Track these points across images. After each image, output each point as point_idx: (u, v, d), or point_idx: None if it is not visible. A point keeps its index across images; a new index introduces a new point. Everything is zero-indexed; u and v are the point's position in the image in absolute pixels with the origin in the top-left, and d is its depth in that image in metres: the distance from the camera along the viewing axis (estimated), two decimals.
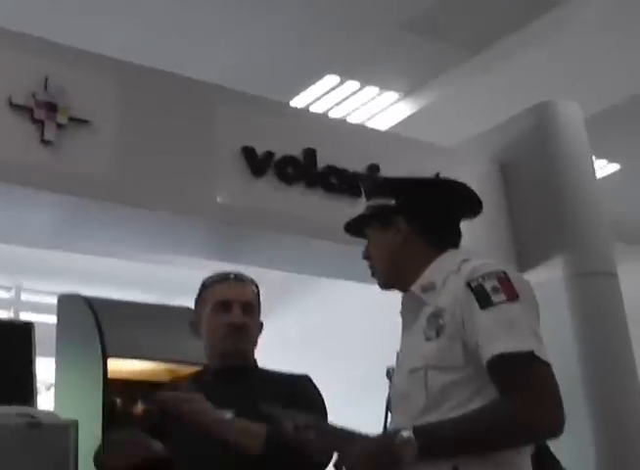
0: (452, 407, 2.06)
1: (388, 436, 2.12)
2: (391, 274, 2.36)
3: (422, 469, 2.01)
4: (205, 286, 2.90)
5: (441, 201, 2.37)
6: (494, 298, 2.07)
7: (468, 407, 2.05)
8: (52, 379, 4.71)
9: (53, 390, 4.74)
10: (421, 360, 2.14)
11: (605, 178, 8.05)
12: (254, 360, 2.90)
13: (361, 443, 2.14)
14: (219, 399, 2.68)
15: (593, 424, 5.15)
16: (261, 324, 2.92)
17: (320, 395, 2.83)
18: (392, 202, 2.34)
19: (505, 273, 2.12)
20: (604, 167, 8.44)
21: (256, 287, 2.93)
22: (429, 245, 2.32)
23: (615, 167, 8.62)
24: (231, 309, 2.79)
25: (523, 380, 2.01)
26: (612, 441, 5.18)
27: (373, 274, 2.42)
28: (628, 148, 8.11)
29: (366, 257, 2.42)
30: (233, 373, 2.79)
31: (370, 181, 2.53)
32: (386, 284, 2.40)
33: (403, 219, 2.33)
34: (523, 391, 2.00)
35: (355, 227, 2.48)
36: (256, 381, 2.78)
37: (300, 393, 2.77)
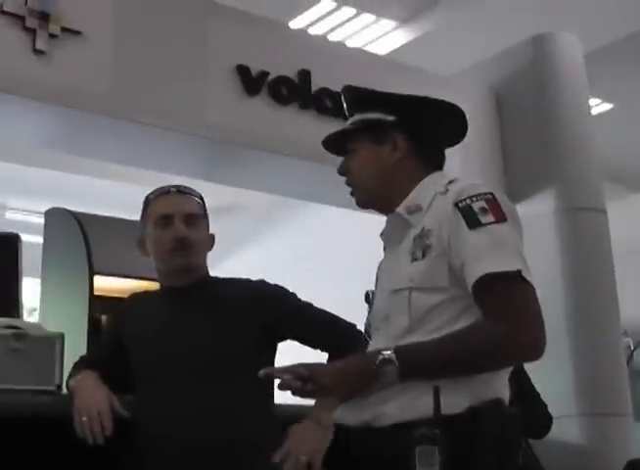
0: (435, 328, 2.04)
1: (368, 355, 2.10)
2: (377, 192, 2.29)
3: (402, 389, 2.01)
4: (148, 201, 2.80)
5: (438, 122, 2.31)
6: (482, 218, 2.04)
7: (451, 329, 2.03)
8: (35, 303, 4.69)
9: (36, 314, 4.73)
10: (405, 281, 2.10)
11: (597, 117, 8.00)
12: (207, 273, 2.82)
13: (340, 362, 2.13)
14: (169, 317, 2.71)
15: (572, 351, 5.23)
16: (212, 237, 2.84)
17: (283, 287, 2.81)
18: (391, 117, 2.27)
19: (493, 195, 2.09)
20: (597, 106, 8.39)
21: (201, 199, 2.83)
22: (420, 166, 2.27)
23: (607, 107, 8.58)
24: (172, 223, 2.69)
25: (507, 300, 1.99)
26: (589, 367, 5.27)
27: (352, 191, 2.33)
28: (623, 88, 8.06)
29: (344, 172, 2.33)
30: (185, 292, 2.73)
31: (361, 93, 2.36)
32: (367, 202, 2.33)
33: (403, 136, 2.26)
34: (507, 310, 1.98)
35: (336, 143, 2.37)
36: (211, 296, 2.73)
37: (266, 292, 2.76)
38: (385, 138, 2.27)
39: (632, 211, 9.09)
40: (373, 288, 2.36)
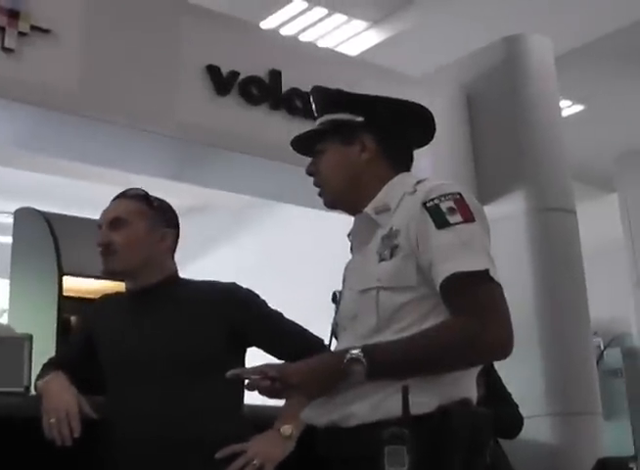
0: (403, 328, 2.04)
1: (335, 354, 2.10)
2: (345, 193, 2.28)
3: (371, 388, 2.01)
4: None
5: (407, 123, 2.32)
6: (450, 218, 2.04)
7: (419, 328, 2.03)
8: (4, 304, 4.66)
9: (5, 316, 4.69)
10: (373, 281, 2.10)
11: (568, 118, 8.05)
12: (173, 274, 2.78)
13: (307, 362, 2.12)
14: (133, 318, 2.70)
15: (543, 352, 5.26)
16: (162, 235, 2.74)
17: (254, 293, 2.79)
18: (359, 118, 2.26)
19: (460, 194, 2.09)
20: (568, 108, 8.44)
21: (140, 197, 2.76)
22: (388, 166, 2.27)
23: (578, 108, 8.63)
24: (100, 230, 2.71)
25: (475, 298, 1.99)
26: (560, 367, 5.30)
27: (320, 192, 2.33)
28: (594, 90, 8.10)
29: (312, 173, 2.33)
30: (148, 294, 2.71)
31: (330, 94, 2.35)
32: (335, 203, 2.33)
33: (371, 137, 2.26)
34: (475, 309, 1.98)
35: (305, 143, 2.37)
36: (177, 297, 2.71)
37: (237, 296, 2.74)
38: (353, 139, 2.27)
39: (602, 211, 9.17)
40: (340, 288, 2.36)
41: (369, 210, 2.21)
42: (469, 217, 2.06)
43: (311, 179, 2.35)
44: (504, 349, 2.00)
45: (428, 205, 2.07)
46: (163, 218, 2.79)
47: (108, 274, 2.72)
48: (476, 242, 2.05)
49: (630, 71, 7.76)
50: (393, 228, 2.12)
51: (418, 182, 2.18)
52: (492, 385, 3.83)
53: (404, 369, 2.00)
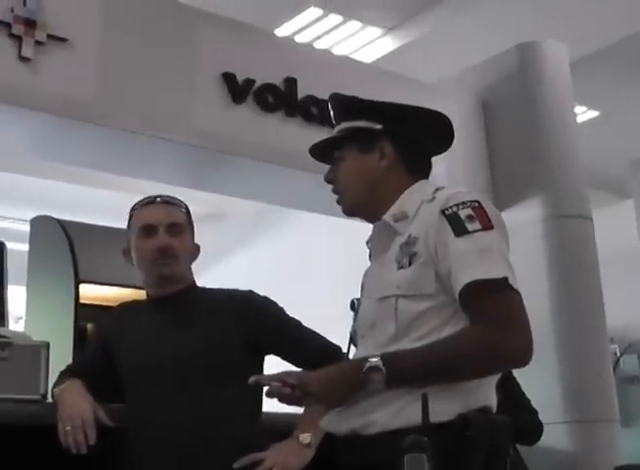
0: (422, 336, 2.04)
1: (355, 362, 2.10)
2: (364, 201, 2.29)
3: (391, 396, 2.01)
4: (133, 211, 2.80)
5: (425, 130, 2.33)
6: (469, 226, 2.05)
7: (438, 336, 2.03)
8: (21, 311, 4.66)
9: (21, 323, 4.70)
10: (392, 288, 2.10)
11: (583, 124, 8.03)
12: (193, 283, 2.82)
13: (327, 369, 2.12)
14: (155, 326, 2.71)
15: (560, 359, 5.24)
16: (197, 247, 2.84)
17: (272, 300, 2.81)
18: (378, 126, 2.27)
19: (479, 202, 2.10)
20: (583, 113, 8.42)
21: (186, 209, 2.83)
22: (407, 174, 2.28)
23: (594, 114, 8.60)
24: (156, 233, 2.69)
25: (495, 306, 2.00)
26: (576, 374, 5.28)
27: (338, 199, 2.33)
28: (609, 95, 8.08)
29: (331, 180, 2.34)
30: (170, 301, 2.73)
31: (348, 102, 2.36)
32: (353, 210, 2.33)
33: (390, 144, 2.27)
34: (494, 317, 1.98)
35: (323, 151, 2.38)
36: (197, 305, 2.73)
37: (254, 304, 2.76)
38: (372, 146, 2.28)
39: (618, 217, 9.13)
40: (358, 296, 2.36)
41: (387, 217, 2.22)
42: (487, 225, 2.07)
43: (327, 186, 2.36)
44: (524, 357, 2.00)
45: (447, 212, 2.08)
46: (193, 231, 2.84)
47: (164, 278, 2.71)
48: (494, 249, 2.05)
49: None
50: (412, 236, 2.13)
51: (436, 190, 2.18)
52: (511, 392, 3.82)
53: (423, 377, 2.00)
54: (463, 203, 2.09)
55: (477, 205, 2.09)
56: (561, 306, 5.35)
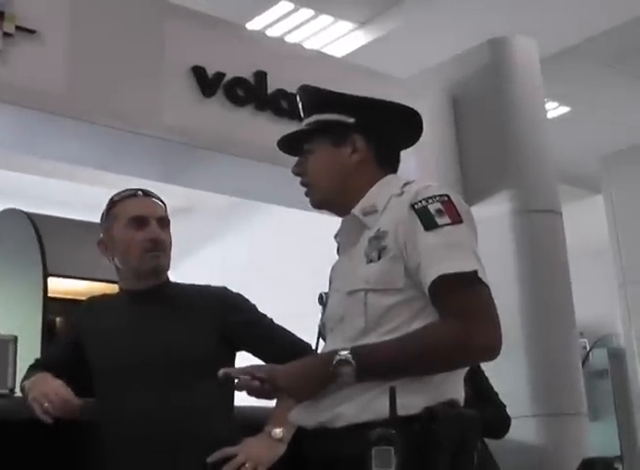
0: (390, 330, 2.05)
1: (324, 356, 2.10)
2: (334, 194, 2.28)
3: (358, 390, 2.01)
4: (115, 202, 2.78)
5: (396, 124, 2.32)
6: (438, 220, 2.05)
7: (407, 330, 2.04)
8: None
9: None
10: (361, 282, 2.10)
11: (554, 120, 8.07)
12: (167, 278, 2.83)
13: (295, 364, 2.13)
14: (129, 320, 2.72)
15: (529, 352, 5.27)
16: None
17: (244, 297, 2.84)
18: (351, 119, 2.26)
19: (448, 196, 2.10)
20: (554, 109, 8.46)
21: (164, 204, 2.84)
22: (377, 168, 2.28)
23: (564, 110, 8.65)
24: (147, 225, 2.71)
25: (464, 300, 2.00)
26: (545, 368, 5.31)
27: (307, 192, 2.32)
28: (580, 91, 8.12)
29: (299, 173, 2.32)
30: (145, 296, 2.74)
31: (320, 94, 2.33)
32: (322, 203, 2.32)
33: (362, 138, 2.26)
34: (464, 311, 1.99)
35: (291, 143, 2.36)
36: (171, 301, 2.75)
37: (227, 300, 2.78)
38: (344, 140, 2.27)
39: (588, 212, 9.19)
40: (326, 290, 2.36)
41: (357, 211, 2.21)
42: (457, 219, 2.07)
43: (297, 180, 2.35)
44: (493, 350, 2.02)
45: (416, 207, 2.08)
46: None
47: (158, 271, 2.74)
48: (464, 244, 2.06)
49: (616, 73, 7.79)
50: (381, 230, 2.13)
51: (405, 184, 2.18)
52: (479, 385, 3.84)
53: (393, 370, 2.00)
54: (432, 197, 2.08)
55: (446, 199, 2.09)
56: (530, 301, 5.38)
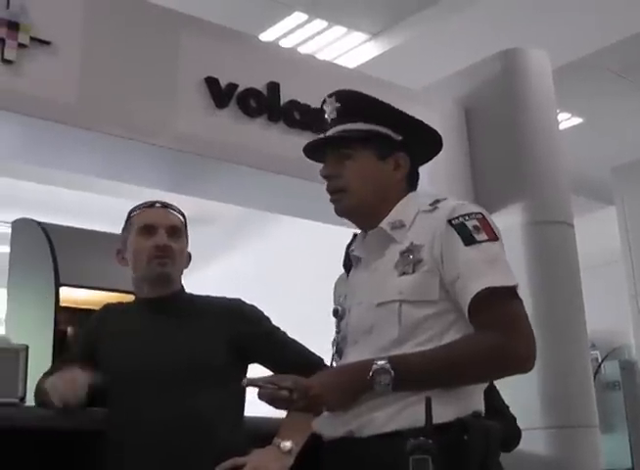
0: (424, 341, 2.09)
1: (359, 365, 2.10)
2: (368, 204, 2.29)
3: (390, 399, 2.04)
4: (131, 213, 2.89)
5: (429, 146, 2.39)
6: (477, 236, 2.12)
7: (439, 341, 2.08)
8: (1, 314, 4.65)
9: (2, 327, 4.69)
10: (394, 294, 2.14)
11: (567, 131, 8.07)
12: (182, 287, 2.88)
13: (331, 372, 2.14)
14: (143, 329, 2.75)
15: (540, 364, 5.16)
16: (189, 255, 2.91)
17: (259, 309, 2.87)
18: (399, 137, 2.29)
19: (483, 214, 2.18)
20: (567, 120, 8.45)
21: (183, 216, 2.92)
22: (406, 185, 2.34)
23: (577, 121, 8.64)
24: (156, 233, 2.77)
25: (505, 313, 2.07)
26: (557, 379, 5.27)
27: (333, 196, 2.31)
28: (593, 103, 8.12)
29: (331, 176, 2.31)
30: (160, 304, 2.78)
31: (371, 102, 2.33)
32: (352, 211, 2.32)
33: (405, 157, 2.32)
34: (505, 323, 2.06)
35: (320, 146, 2.36)
36: (186, 310, 2.78)
37: (242, 311, 2.82)
38: (388, 155, 2.30)
39: (600, 224, 9.17)
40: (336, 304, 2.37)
41: (384, 225, 2.26)
42: (493, 236, 2.15)
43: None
44: (528, 363, 2.09)
45: (453, 222, 2.14)
46: (188, 239, 2.93)
47: (159, 278, 2.78)
48: (502, 259, 2.14)
49: (628, 84, 7.79)
50: (414, 243, 2.17)
51: (437, 200, 2.24)
52: (490, 398, 3.83)
53: (430, 380, 2.04)
54: (469, 214, 2.16)
55: (481, 216, 2.17)
56: (541, 312, 5.34)
